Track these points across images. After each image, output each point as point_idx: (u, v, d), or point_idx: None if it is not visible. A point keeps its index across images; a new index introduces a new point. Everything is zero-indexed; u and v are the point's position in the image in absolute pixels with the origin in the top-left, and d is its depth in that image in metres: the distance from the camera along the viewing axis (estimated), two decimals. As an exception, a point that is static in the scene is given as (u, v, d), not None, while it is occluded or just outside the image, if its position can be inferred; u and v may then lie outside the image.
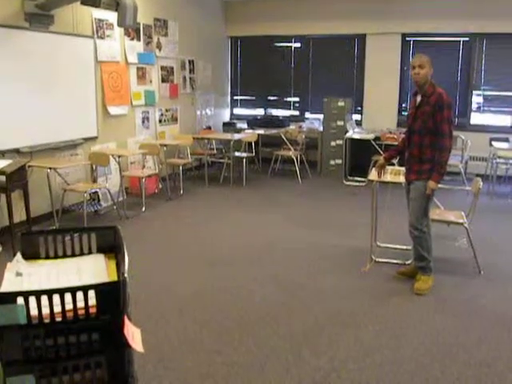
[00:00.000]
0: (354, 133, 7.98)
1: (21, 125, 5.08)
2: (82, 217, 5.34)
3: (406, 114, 7.74)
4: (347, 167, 8.00)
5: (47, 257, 1.87)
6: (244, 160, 7.59)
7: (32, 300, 1.41)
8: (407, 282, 3.94)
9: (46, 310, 1.43)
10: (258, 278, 4.04)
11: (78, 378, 1.49)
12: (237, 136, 7.63)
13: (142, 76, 7.04)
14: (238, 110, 9.81)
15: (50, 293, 1.42)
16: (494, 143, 7.14)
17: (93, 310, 1.47)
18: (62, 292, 1.43)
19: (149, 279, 3.98)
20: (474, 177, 4.78)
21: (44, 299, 1.42)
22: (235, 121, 9.39)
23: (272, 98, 9.50)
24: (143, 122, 7.16)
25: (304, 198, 6.83)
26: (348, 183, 7.70)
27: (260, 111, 9.64)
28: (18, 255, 1.81)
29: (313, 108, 9.11)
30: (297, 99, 9.32)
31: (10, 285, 1.61)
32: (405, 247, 4.46)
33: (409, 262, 4.23)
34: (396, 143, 6.00)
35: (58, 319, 1.44)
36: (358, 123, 8.62)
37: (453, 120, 3.73)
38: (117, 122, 6.59)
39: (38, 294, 1.42)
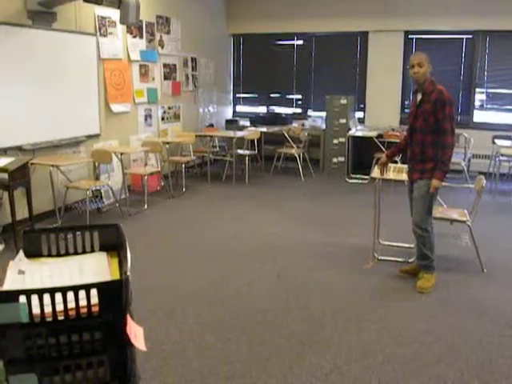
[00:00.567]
0: (356, 130, 7.97)
1: (23, 122, 5.09)
2: (84, 214, 5.35)
3: (408, 111, 7.71)
4: (350, 165, 8.00)
5: (49, 255, 1.87)
6: (246, 158, 7.59)
7: (34, 298, 1.40)
8: (410, 280, 3.93)
9: (48, 309, 1.42)
10: (260, 276, 4.04)
11: (80, 376, 1.49)
12: (239, 134, 7.61)
13: (144, 73, 7.03)
14: (240, 108, 9.80)
15: (52, 291, 1.42)
16: (496, 141, 7.13)
17: (95, 309, 1.46)
18: (64, 290, 1.43)
19: (151, 276, 3.99)
20: (476, 175, 4.75)
21: (46, 298, 1.41)
22: (238, 118, 9.38)
23: (274, 95, 9.49)
24: (146, 119, 7.16)
25: (306, 195, 6.82)
26: (351, 181, 7.69)
27: (262, 109, 9.63)
28: (21, 253, 1.80)
29: (315, 106, 9.10)
30: (299, 97, 9.31)
31: (12, 283, 1.61)
32: (407, 245, 4.45)
33: (411, 260, 4.22)
34: (399, 141, 5.99)
35: (61, 318, 1.44)
36: (361, 121, 8.61)
37: (454, 117, 3.71)
38: (119, 120, 6.59)
39: (40, 292, 1.41)
